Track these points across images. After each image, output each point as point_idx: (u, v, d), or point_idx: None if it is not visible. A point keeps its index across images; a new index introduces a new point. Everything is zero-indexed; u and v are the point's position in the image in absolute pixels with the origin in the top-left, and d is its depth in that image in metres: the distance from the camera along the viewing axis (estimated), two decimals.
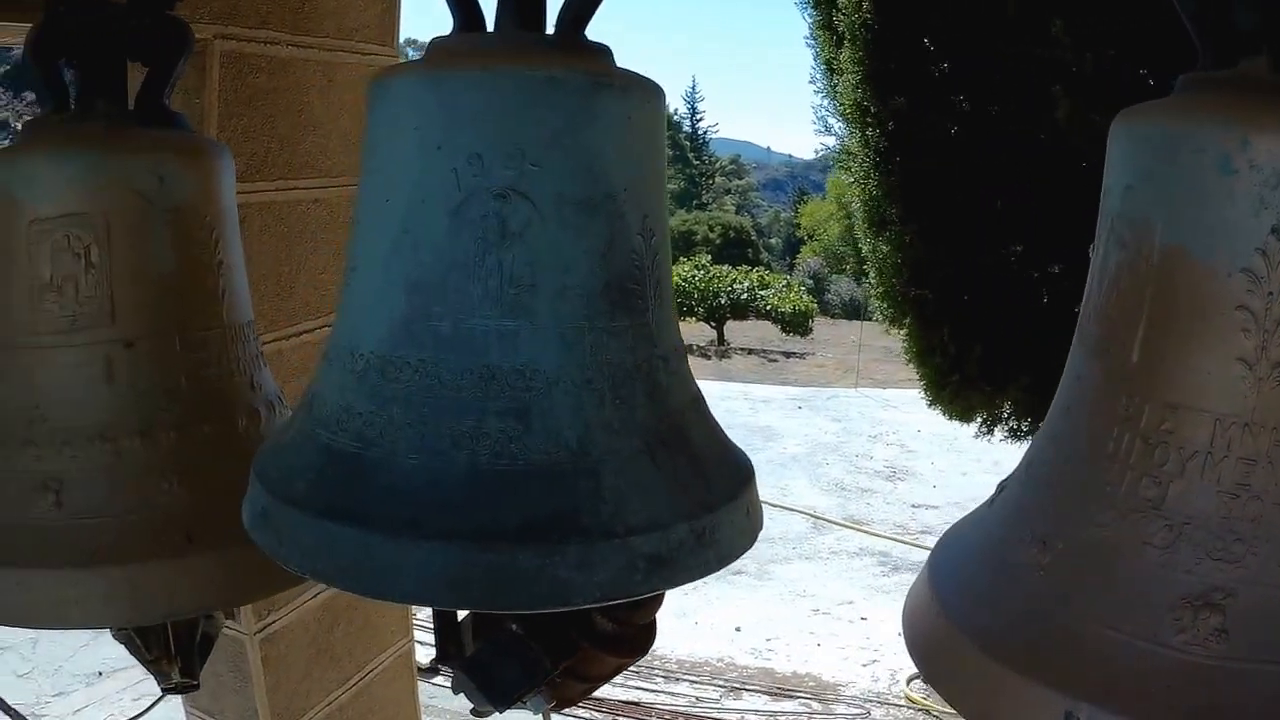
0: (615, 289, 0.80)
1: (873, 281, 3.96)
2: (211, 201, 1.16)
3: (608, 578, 0.72)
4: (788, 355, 23.06)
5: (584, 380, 0.77)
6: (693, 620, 6.95)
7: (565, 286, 0.77)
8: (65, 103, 1.14)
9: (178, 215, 1.11)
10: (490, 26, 0.85)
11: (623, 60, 0.86)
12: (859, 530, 9.29)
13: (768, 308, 24.47)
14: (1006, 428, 4.04)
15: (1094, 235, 0.80)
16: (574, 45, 0.82)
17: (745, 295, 24.52)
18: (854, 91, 3.40)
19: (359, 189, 0.87)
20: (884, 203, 3.55)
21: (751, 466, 0.89)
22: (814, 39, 4.38)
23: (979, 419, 4.08)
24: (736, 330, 25.37)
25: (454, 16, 0.85)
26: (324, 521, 0.74)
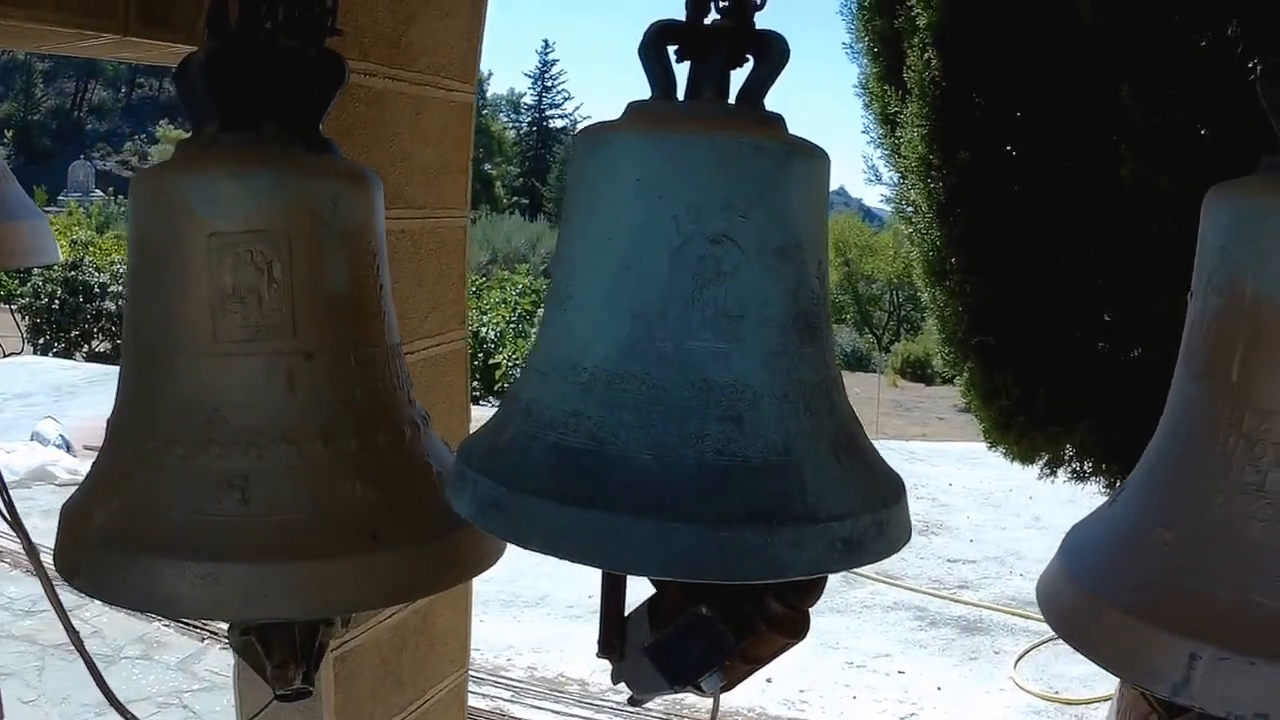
0: (801, 321, 1.09)
1: (934, 328, 4.33)
2: (373, 227, 1.41)
3: (813, 556, 1.01)
4: None
5: (783, 394, 1.06)
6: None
7: (766, 318, 1.06)
8: (234, 123, 1.33)
9: (348, 238, 1.35)
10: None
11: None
12: (893, 584, 9.61)
13: None
14: (1069, 470, 4.41)
15: (1184, 285, 1.12)
16: (764, 115, 1.12)
17: None
18: (919, 145, 3.79)
19: (567, 228, 1.16)
20: (945, 253, 3.95)
21: (902, 478, 1.19)
22: (867, 90, 4.79)
23: (1041, 461, 4.45)
24: None
25: (655, 86, 1.15)
26: (569, 508, 1.02)
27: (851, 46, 5.26)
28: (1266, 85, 1.05)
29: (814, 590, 1.17)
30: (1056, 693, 7.36)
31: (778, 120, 1.14)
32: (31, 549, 1.51)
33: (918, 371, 40.10)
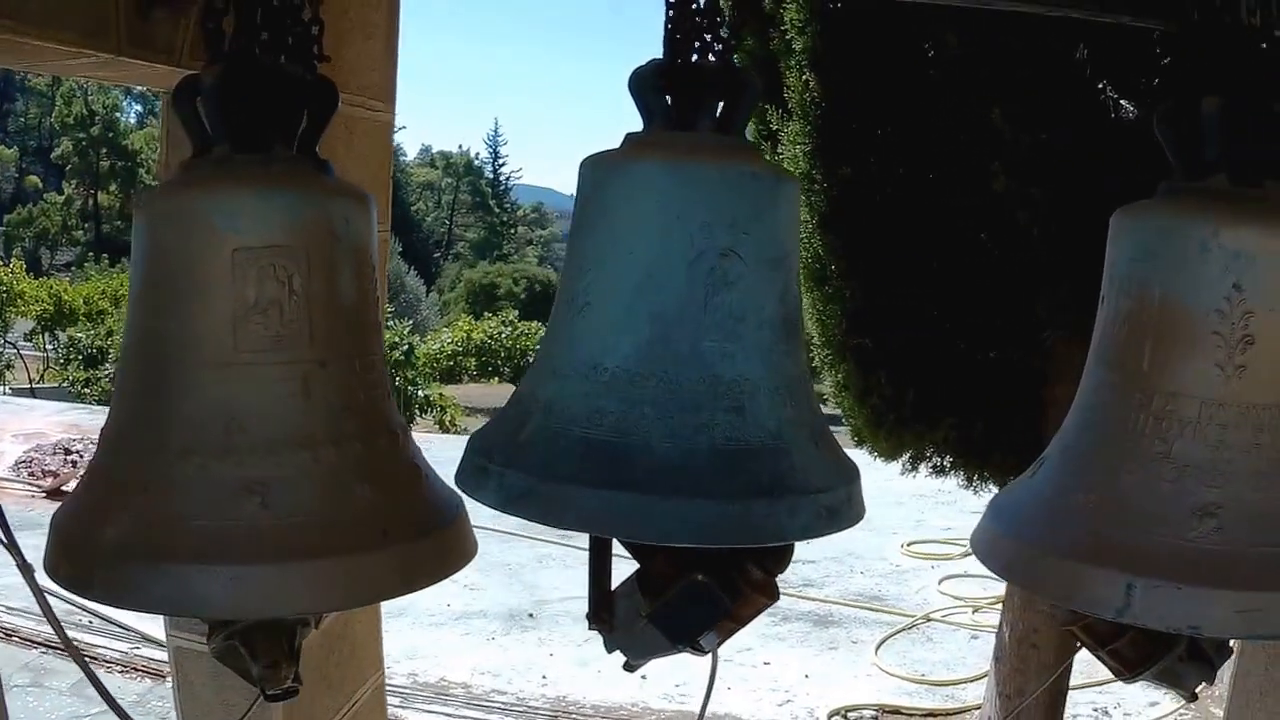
0: (787, 323, 1.28)
1: (813, 331, 4.64)
2: (372, 244, 1.52)
3: (806, 522, 1.21)
4: None
5: (774, 388, 1.24)
6: (595, 669, 7.47)
7: (762, 320, 1.25)
8: (244, 144, 1.41)
9: (355, 254, 1.46)
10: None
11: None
12: None
13: None
14: (930, 465, 4.78)
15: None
16: (750, 145, 1.30)
17: None
18: (802, 162, 4.09)
19: (584, 243, 1.31)
20: (827, 260, 4.26)
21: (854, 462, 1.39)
22: None
23: (905, 456, 4.80)
24: None
25: (649, 119, 1.31)
26: (601, 491, 1.17)
27: None
28: (1160, 125, 1.29)
29: (786, 557, 1.36)
30: (923, 675, 7.81)
31: (758, 149, 1.32)
32: (26, 567, 1.54)
33: None
